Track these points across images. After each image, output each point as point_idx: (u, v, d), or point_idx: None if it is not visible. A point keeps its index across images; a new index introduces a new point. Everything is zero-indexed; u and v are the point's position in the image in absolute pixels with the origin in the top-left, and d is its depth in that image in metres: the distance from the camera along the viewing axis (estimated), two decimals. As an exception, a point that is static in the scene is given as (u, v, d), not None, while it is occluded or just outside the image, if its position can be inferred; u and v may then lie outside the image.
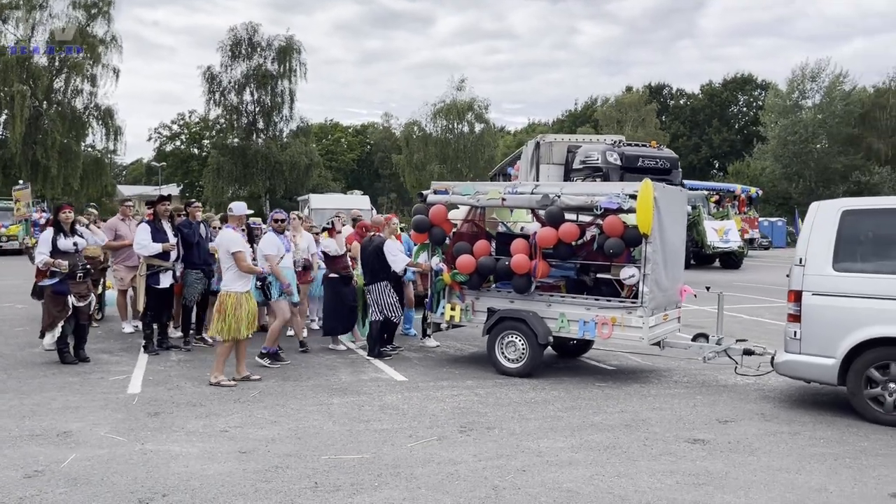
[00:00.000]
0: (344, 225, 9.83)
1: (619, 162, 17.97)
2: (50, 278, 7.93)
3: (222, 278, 7.58)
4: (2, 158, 38.27)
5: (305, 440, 5.62)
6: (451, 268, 8.40)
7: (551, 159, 18.97)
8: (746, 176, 55.76)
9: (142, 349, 8.88)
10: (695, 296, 8.85)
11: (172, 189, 56.38)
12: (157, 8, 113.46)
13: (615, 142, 18.82)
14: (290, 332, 9.68)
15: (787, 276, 6.84)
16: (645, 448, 5.59)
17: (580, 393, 7.36)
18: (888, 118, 55.03)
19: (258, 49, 46.84)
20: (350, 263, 9.47)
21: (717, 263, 26.35)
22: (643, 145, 19.69)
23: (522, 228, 9.26)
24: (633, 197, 7.43)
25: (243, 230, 7.79)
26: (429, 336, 9.60)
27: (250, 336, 7.53)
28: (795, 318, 6.67)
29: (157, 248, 8.71)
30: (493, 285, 8.56)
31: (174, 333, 9.66)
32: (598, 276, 8.54)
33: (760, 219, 36.96)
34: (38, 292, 8.58)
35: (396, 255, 8.77)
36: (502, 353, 8.13)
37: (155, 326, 9.02)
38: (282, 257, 8.24)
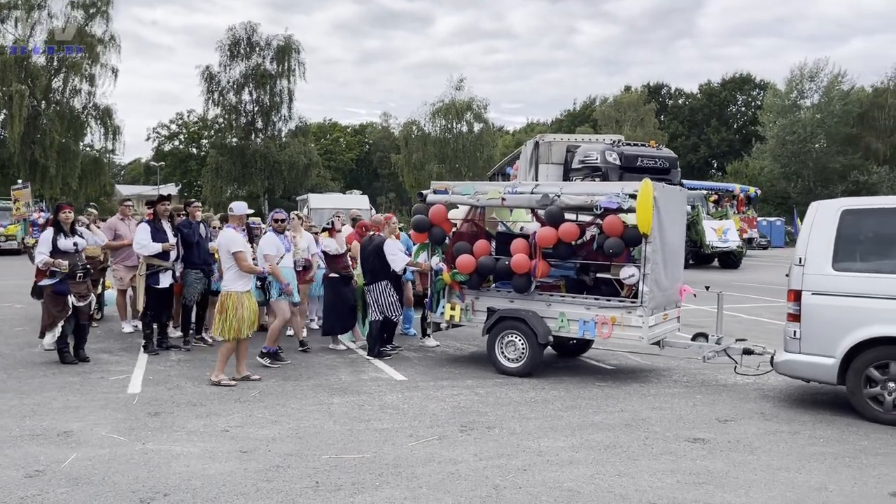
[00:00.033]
0: (343, 224, 9.84)
1: (618, 161, 17.98)
2: (50, 278, 7.93)
3: (223, 278, 7.58)
4: (0, 158, 38.22)
5: (306, 440, 5.62)
6: (450, 267, 8.41)
7: (550, 159, 18.96)
8: (745, 175, 55.82)
9: (141, 349, 8.88)
10: (694, 295, 8.87)
11: (171, 189, 56.41)
12: (156, 7, 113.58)
13: (614, 141, 18.83)
14: (290, 332, 9.68)
15: (787, 275, 6.85)
16: (645, 447, 5.60)
17: (580, 392, 7.37)
18: (886, 118, 55.09)
19: (257, 49, 46.82)
20: (350, 263, 9.48)
21: (715, 263, 26.39)
22: (642, 145, 19.69)
23: (522, 228, 9.27)
24: (633, 196, 7.44)
25: (244, 230, 7.80)
26: (428, 336, 9.61)
27: (250, 336, 7.53)
28: (795, 317, 6.69)
29: (157, 247, 8.71)
30: (493, 285, 8.56)
31: (174, 333, 9.66)
32: (598, 275, 8.55)
33: (759, 218, 37.02)
34: (37, 292, 8.58)
35: (396, 254, 8.78)
36: (502, 352, 8.14)
37: (155, 326, 9.02)
38: (282, 257, 8.24)
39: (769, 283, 19.59)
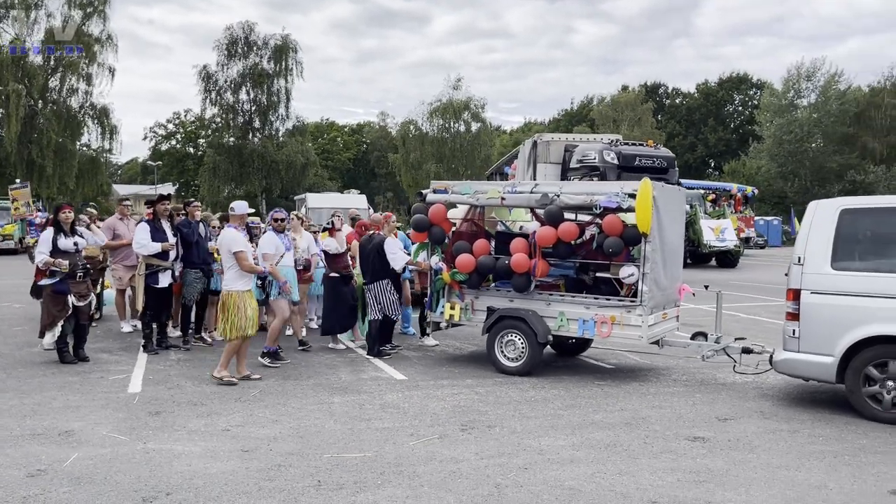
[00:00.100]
0: (343, 224, 9.84)
1: (616, 161, 17.99)
2: (50, 278, 7.93)
3: (224, 278, 7.59)
4: (-3, 158, 38.19)
5: (307, 439, 5.63)
6: (450, 267, 8.42)
7: (548, 158, 18.97)
8: (742, 175, 55.88)
9: (141, 348, 8.88)
10: (693, 294, 8.89)
11: (168, 188, 56.30)
12: (153, 6, 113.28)
13: (612, 141, 18.85)
14: (289, 332, 9.69)
15: (786, 274, 6.87)
16: (645, 446, 5.61)
17: (580, 391, 7.39)
18: (883, 117, 55.15)
19: (254, 48, 46.77)
20: (350, 263, 9.48)
21: (713, 262, 26.43)
22: (640, 144, 19.71)
23: (521, 228, 9.29)
24: (633, 196, 7.45)
25: (245, 229, 7.81)
26: (428, 335, 9.62)
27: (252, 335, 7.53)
28: (794, 316, 6.71)
29: (157, 247, 8.71)
30: (493, 284, 8.58)
31: (173, 333, 9.66)
32: (598, 274, 8.57)
33: (756, 218, 37.02)
34: (37, 291, 8.58)
35: (396, 252, 8.79)
36: (502, 351, 8.16)
37: (154, 326, 9.02)
38: (282, 256, 8.24)
39: (767, 283, 19.64)
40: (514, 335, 8.04)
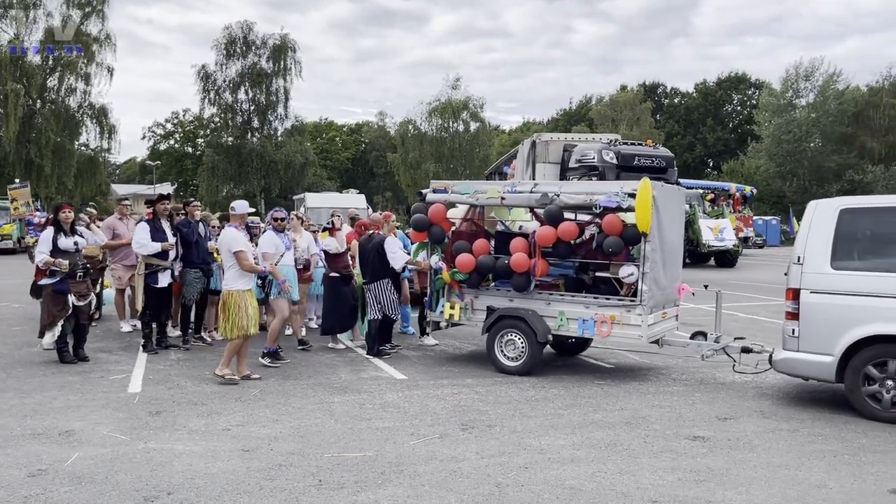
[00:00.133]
0: (343, 224, 9.85)
1: (615, 161, 18.02)
2: (50, 277, 7.93)
3: (224, 277, 7.59)
4: (-5, 157, 38.16)
5: (308, 438, 5.64)
6: (450, 266, 8.42)
7: (547, 158, 18.99)
8: (741, 175, 55.88)
9: (141, 348, 8.88)
10: (693, 294, 8.90)
11: (166, 188, 56.28)
12: (151, 6, 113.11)
13: (611, 141, 18.87)
14: (289, 331, 9.69)
15: (786, 274, 6.89)
16: (646, 445, 5.62)
17: (580, 391, 7.40)
18: (881, 117, 55.20)
19: (253, 47, 46.80)
20: (350, 262, 9.49)
21: (711, 262, 26.45)
22: (639, 144, 19.73)
23: (521, 227, 9.30)
24: (632, 196, 7.46)
25: (248, 229, 7.81)
26: (427, 334, 9.63)
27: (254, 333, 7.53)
28: (794, 315, 6.72)
29: (156, 247, 8.71)
30: (493, 284, 8.58)
31: (173, 332, 9.66)
32: (597, 274, 8.57)
33: (755, 217, 37.05)
34: (36, 291, 8.57)
35: (396, 252, 8.80)
36: (502, 351, 8.16)
37: (154, 325, 9.02)
38: (281, 255, 8.24)
39: (765, 282, 19.66)
40: (513, 335, 8.05)
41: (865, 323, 6.34)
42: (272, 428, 5.89)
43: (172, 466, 4.95)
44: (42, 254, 7.85)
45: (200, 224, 9.47)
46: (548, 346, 8.43)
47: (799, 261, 6.71)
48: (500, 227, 9.37)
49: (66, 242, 7.93)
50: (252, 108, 47.96)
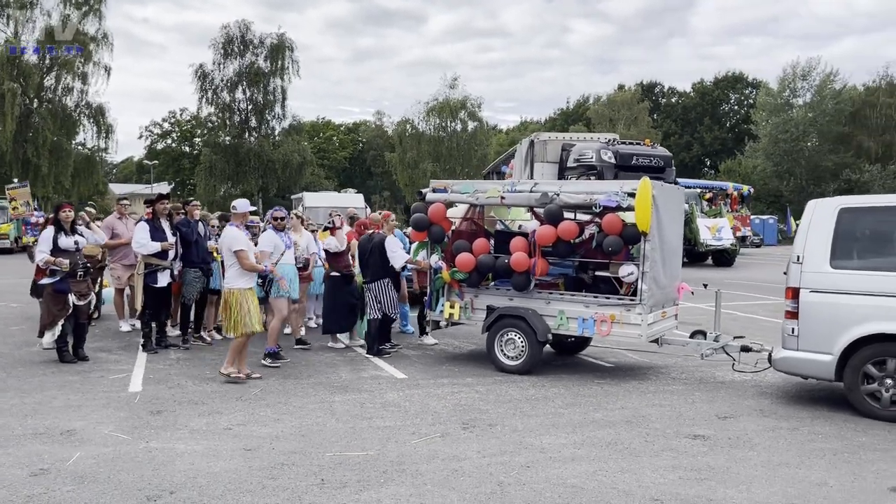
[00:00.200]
0: (343, 223, 9.84)
1: (613, 160, 18.07)
2: (50, 277, 7.92)
3: (225, 276, 7.60)
4: (-8, 157, 38.06)
5: (309, 437, 5.64)
6: (450, 265, 8.43)
7: (546, 157, 19.04)
8: (738, 174, 56.02)
9: (140, 348, 8.88)
10: (692, 293, 8.91)
11: (163, 187, 56.21)
12: (147, 5, 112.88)
13: (609, 140, 18.91)
14: (287, 330, 9.69)
15: (785, 273, 6.91)
16: (646, 444, 5.64)
17: (580, 390, 7.41)
18: (878, 117, 55.39)
19: (250, 47, 46.78)
20: (350, 262, 9.49)
21: (709, 261, 26.49)
22: (637, 144, 19.77)
23: (520, 227, 9.31)
24: (632, 195, 7.48)
25: (248, 228, 7.81)
26: (427, 334, 9.63)
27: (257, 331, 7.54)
28: (793, 314, 6.74)
29: (156, 246, 8.71)
30: (492, 283, 8.60)
31: (172, 332, 9.65)
32: (597, 273, 8.57)
33: (752, 217, 37.12)
34: (36, 290, 8.56)
35: (397, 251, 8.81)
36: (502, 350, 8.17)
37: (153, 325, 9.01)
38: (282, 254, 8.25)
39: (763, 281, 19.70)
40: (513, 334, 8.06)
41: (864, 322, 6.36)
42: (273, 427, 5.89)
43: (174, 466, 4.96)
44: (42, 253, 7.85)
45: (200, 223, 9.47)
46: (547, 345, 8.45)
47: (798, 260, 6.73)
48: (499, 227, 9.38)
49: (66, 242, 7.92)
50: (250, 107, 47.93)
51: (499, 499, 4.50)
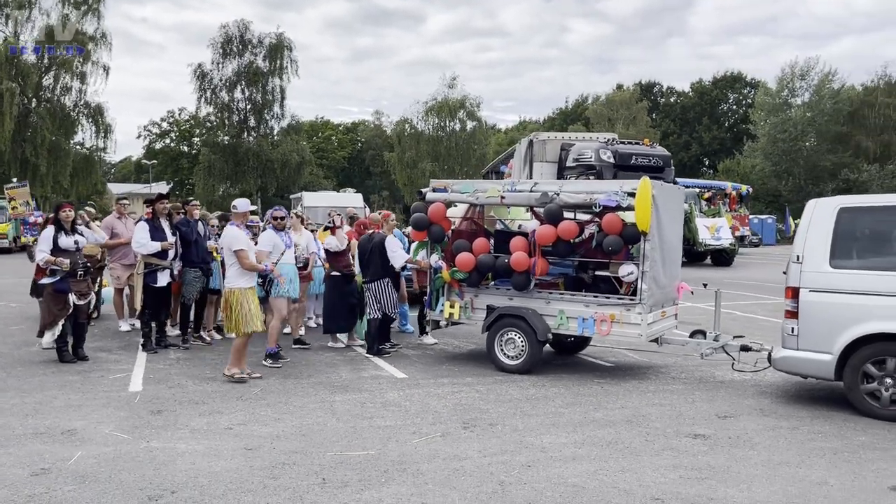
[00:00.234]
0: (343, 222, 9.85)
1: (612, 160, 18.08)
2: (50, 276, 7.91)
3: (226, 276, 7.60)
4: (-10, 156, 38.02)
5: (310, 437, 5.65)
6: (450, 265, 8.44)
7: (545, 157, 19.03)
8: (736, 173, 56.09)
9: (140, 347, 8.88)
10: (692, 293, 8.92)
11: (162, 187, 56.17)
12: (146, 5, 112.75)
13: (608, 140, 18.91)
14: (287, 330, 9.68)
15: (785, 272, 6.92)
16: (647, 443, 5.65)
17: (580, 389, 7.42)
18: (876, 116, 55.47)
19: (249, 46, 46.80)
20: (351, 261, 9.49)
21: (708, 261, 26.51)
22: (636, 143, 19.78)
23: (520, 226, 9.32)
24: (632, 195, 7.49)
25: (248, 227, 7.81)
26: (427, 333, 9.63)
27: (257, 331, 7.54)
28: (793, 314, 6.75)
29: (156, 246, 8.71)
30: (492, 283, 8.60)
31: (172, 332, 9.65)
32: (597, 273, 8.58)
33: (751, 216, 37.17)
34: (36, 290, 8.55)
35: (397, 251, 8.82)
36: (501, 350, 8.18)
37: (153, 325, 9.01)
38: (282, 254, 8.25)
39: (762, 281, 19.73)
40: (513, 333, 8.06)
41: (864, 321, 6.37)
42: (274, 427, 5.90)
43: (175, 465, 4.96)
44: (43, 252, 7.84)
45: (199, 223, 9.46)
46: (547, 344, 8.45)
47: (798, 259, 6.74)
48: (499, 226, 9.39)
49: (66, 241, 7.92)
50: (248, 107, 47.96)
51: (500, 498, 4.50)
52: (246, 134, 48.37)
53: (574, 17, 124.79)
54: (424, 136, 52.15)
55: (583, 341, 9.00)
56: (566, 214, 8.26)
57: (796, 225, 7.11)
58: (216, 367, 8.01)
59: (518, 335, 8.03)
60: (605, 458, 5.26)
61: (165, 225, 8.97)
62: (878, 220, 6.70)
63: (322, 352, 9.14)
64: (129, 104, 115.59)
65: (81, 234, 8.28)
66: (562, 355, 9.22)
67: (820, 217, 6.74)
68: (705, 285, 9.20)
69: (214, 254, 9.44)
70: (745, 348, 7.79)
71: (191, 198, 11.66)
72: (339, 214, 9.62)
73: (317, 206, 25.92)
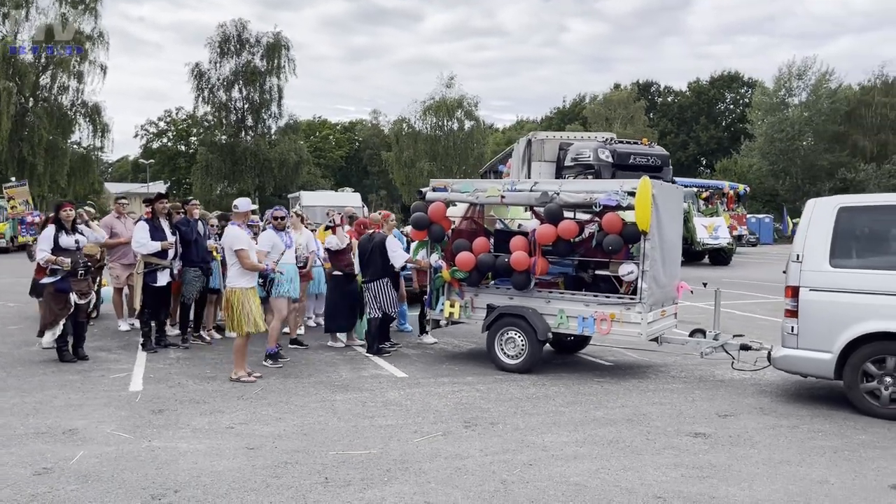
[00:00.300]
0: (344, 221, 9.84)
1: (610, 159, 18.02)
2: (51, 276, 7.90)
3: (227, 276, 7.60)
4: (-13, 155, 37.94)
5: (311, 436, 5.65)
6: (450, 264, 8.45)
7: (543, 157, 18.99)
8: (734, 173, 56.15)
9: (140, 347, 8.87)
10: (691, 292, 8.94)
11: (159, 186, 56.11)
12: (143, 4, 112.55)
13: (607, 139, 18.90)
14: (285, 329, 9.67)
15: (784, 272, 6.93)
16: (648, 442, 5.66)
17: (580, 388, 7.43)
18: (873, 116, 55.57)
19: (246, 46, 46.78)
20: (352, 260, 9.49)
21: (706, 260, 26.56)
22: (635, 143, 19.77)
23: (520, 226, 9.33)
24: (632, 194, 7.50)
25: (249, 227, 7.81)
26: (427, 333, 9.64)
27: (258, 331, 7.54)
28: (793, 313, 6.76)
29: (156, 245, 8.70)
30: (492, 282, 8.61)
31: (171, 331, 9.64)
32: (597, 272, 8.59)
33: (748, 215, 37.23)
34: (36, 290, 8.54)
35: (397, 251, 8.83)
36: (502, 349, 8.19)
37: (153, 324, 9.01)
38: (282, 254, 8.24)
39: (759, 280, 19.77)
40: (513, 333, 8.07)
41: (864, 320, 6.39)
42: (276, 426, 5.90)
43: (178, 464, 4.96)
44: (44, 252, 7.83)
45: (199, 222, 9.46)
46: (547, 343, 8.46)
47: (798, 259, 6.75)
48: (499, 226, 9.39)
49: (67, 240, 7.91)
50: (246, 106, 47.95)
51: (502, 497, 4.51)
52: (243, 133, 48.35)
53: (571, 16, 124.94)
54: (422, 136, 52.16)
55: (582, 340, 9.01)
56: (566, 214, 8.27)
57: (794, 224, 7.13)
58: (216, 367, 8.01)
59: (518, 334, 8.04)
60: (607, 457, 5.27)
61: (165, 224, 8.96)
62: (877, 220, 6.72)
63: (322, 351, 9.14)
64: (126, 103, 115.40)
65: (82, 234, 8.27)
66: (561, 354, 9.23)
67: (820, 216, 6.76)
68: (705, 284, 9.21)
69: (214, 253, 9.44)
70: (744, 347, 7.81)
71: (190, 197, 11.65)
72: (339, 213, 9.62)
73: (315, 206, 25.90)
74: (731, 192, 31.63)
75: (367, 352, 8.94)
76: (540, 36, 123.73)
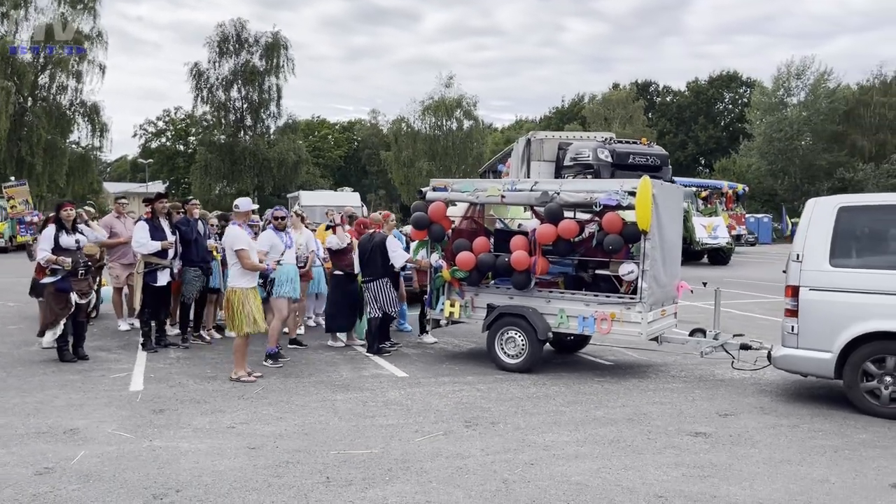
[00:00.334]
0: (344, 221, 9.84)
1: (609, 159, 18.08)
2: (51, 275, 7.90)
3: (228, 275, 7.61)
4: (-14, 155, 37.89)
5: (313, 436, 5.65)
6: (450, 264, 8.45)
7: (542, 156, 19.02)
8: (732, 172, 56.17)
9: (140, 346, 8.87)
10: (691, 291, 8.95)
11: (158, 186, 56.08)
12: (141, 3, 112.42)
13: (606, 139, 18.92)
14: (284, 329, 9.67)
15: (784, 271, 6.94)
16: (649, 441, 5.67)
17: (580, 388, 7.44)
18: (872, 115, 55.59)
19: (245, 45, 46.76)
20: (353, 260, 9.49)
21: (705, 259, 26.57)
22: (634, 142, 19.79)
23: (520, 225, 9.33)
24: (632, 194, 7.51)
25: (250, 227, 7.81)
26: (427, 332, 9.64)
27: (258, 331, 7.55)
28: (793, 313, 6.77)
29: (156, 245, 8.70)
30: (493, 282, 8.62)
31: (171, 331, 9.64)
32: (597, 272, 8.60)
33: (747, 215, 37.24)
34: (37, 289, 8.53)
35: (397, 250, 8.83)
36: (502, 348, 8.19)
37: (153, 324, 9.00)
38: (282, 254, 8.25)
39: (758, 280, 19.79)
40: (514, 332, 8.08)
41: (864, 320, 6.40)
42: (277, 426, 5.90)
43: (179, 464, 4.96)
44: (44, 251, 7.83)
45: (199, 222, 9.46)
46: (547, 343, 8.47)
47: (798, 258, 6.76)
48: (499, 225, 9.40)
49: (67, 240, 7.91)
50: (245, 105, 47.92)
51: (504, 496, 4.52)
52: (242, 133, 48.33)
53: (570, 16, 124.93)
54: (421, 136, 52.17)
55: (582, 340, 9.02)
56: (566, 213, 8.28)
57: (793, 224, 7.14)
58: (217, 366, 8.01)
59: (518, 334, 8.05)
60: (608, 457, 5.28)
61: (165, 224, 8.96)
62: (877, 220, 6.73)
63: (322, 351, 9.15)
64: (124, 103, 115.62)
65: (82, 233, 8.26)
66: (562, 354, 9.24)
67: (820, 216, 6.77)
68: (705, 284, 9.23)
69: (214, 253, 9.44)
70: (744, 347, 7.82)
71: (190, 196, 11.64)
72: (339, 213, 9.62)
73: (314, 205, 25.91)
74: (730, 191, 31.63)
75: (368, 351, 8.94)
76: (537, 35, 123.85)
